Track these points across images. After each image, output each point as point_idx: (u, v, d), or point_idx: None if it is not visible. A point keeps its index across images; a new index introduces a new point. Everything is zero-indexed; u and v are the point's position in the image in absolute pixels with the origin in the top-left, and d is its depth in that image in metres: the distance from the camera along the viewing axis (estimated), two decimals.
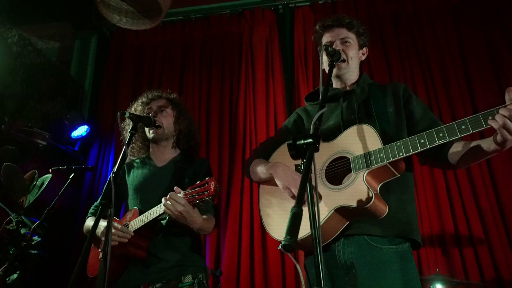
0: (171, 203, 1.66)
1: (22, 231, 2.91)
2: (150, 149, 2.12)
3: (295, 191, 1.47)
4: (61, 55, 4.10)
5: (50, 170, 2.70)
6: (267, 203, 1.67)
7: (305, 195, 1.04)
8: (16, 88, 3.55)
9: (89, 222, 2.05)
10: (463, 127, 1.27)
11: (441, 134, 1.32)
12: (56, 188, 3.13)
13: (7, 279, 2.57)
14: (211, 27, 4.52)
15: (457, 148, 1.46)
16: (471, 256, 3.22)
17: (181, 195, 1.68)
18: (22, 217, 2.86)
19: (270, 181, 1.68)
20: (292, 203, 1.55)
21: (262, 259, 3.52)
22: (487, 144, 1.34)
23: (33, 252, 2.74)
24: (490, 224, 3.26)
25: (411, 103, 1.64)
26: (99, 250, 1.96)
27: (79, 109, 3.89)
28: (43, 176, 3.05)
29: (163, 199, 1.70)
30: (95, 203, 2.17)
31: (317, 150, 1.15)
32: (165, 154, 2.07)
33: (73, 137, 3.79)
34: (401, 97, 1.66)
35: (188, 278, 1.83)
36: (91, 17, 4.29)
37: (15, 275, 2.67)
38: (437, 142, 1.32)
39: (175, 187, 1.72)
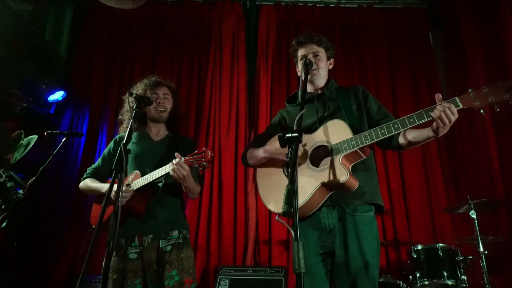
0: (177, 168, 2.02)
1: (8, 184, 3.18)
2: (147, 126, 2.51)
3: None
4: (33, 20, 4.14)
5: (45, 133, 2.93)
6: (264, 184, 2.07)
7: (295, 175, 1.38)
8: None
9: (88, 182, 2.38)
10: (411, 120, 1.71)
11: (396, 126, 1.73)
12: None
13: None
14: (184, 11, 4.92)
15: (404, 134, 1.88)
16: (379, 223, 4.23)
17: (182, 159, 2.02)
18: (11, 172, 3.11)
19: (264, 164, 2.09)
20: (284, 180, 2.00)
21: (217, 221, 4.19)
22: (426, 132, 1.76)
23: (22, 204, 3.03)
24: (395, 199, 4.31)
25: (368, 101, 2.06)
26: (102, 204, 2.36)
27: (53, 73, 4.03)
28: (29, 137, 3.27)
29: (170, 164, 2.07)
30: (91, 167, 2.50)
31: (301, 141, 1.51)
32: (160, 131, 2.50)
33: (49, 101, 3.97)
34: (361, 97, 2.07)
35: (175, 233, 2.20)
36: None
37: (4, 223, 2.98)
38: (394, 132, 1.73)
39: (176, 153, 2.03)
